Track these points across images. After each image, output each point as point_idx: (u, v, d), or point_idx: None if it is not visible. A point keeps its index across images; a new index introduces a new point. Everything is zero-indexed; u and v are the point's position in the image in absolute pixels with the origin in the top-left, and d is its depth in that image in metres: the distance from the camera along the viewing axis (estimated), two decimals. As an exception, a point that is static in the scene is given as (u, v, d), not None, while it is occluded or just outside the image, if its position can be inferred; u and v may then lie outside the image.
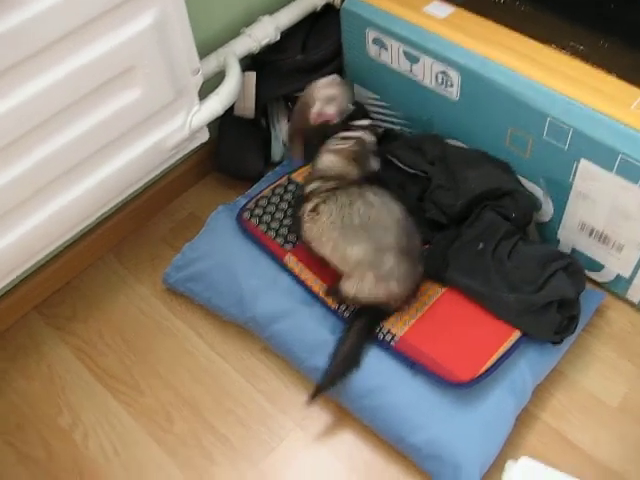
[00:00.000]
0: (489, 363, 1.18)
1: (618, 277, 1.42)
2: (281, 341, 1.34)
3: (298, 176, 1.50)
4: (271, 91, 1.59)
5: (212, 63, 1.47)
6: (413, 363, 1.20)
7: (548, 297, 1.25)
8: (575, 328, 1.29)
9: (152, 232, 1.66)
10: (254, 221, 1.42)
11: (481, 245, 1.32)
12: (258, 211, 1.43)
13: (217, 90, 1.42)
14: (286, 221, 1.42)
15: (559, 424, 1.30)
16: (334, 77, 1.47)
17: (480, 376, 1.16)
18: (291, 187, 1.48)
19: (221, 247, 1.44)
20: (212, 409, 1.36)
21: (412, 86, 1.47)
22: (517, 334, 1.23)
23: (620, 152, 1.21)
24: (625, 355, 1.40)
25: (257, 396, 1.38)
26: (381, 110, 1.60)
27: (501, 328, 1.23)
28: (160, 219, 1.68)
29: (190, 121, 1.37)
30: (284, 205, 1.45)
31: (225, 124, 1.63)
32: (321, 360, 1.27)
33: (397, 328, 1.23)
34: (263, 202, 1.45)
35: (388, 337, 1.23)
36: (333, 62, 1.60)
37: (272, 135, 1.66)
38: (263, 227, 1.41)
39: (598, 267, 1.44)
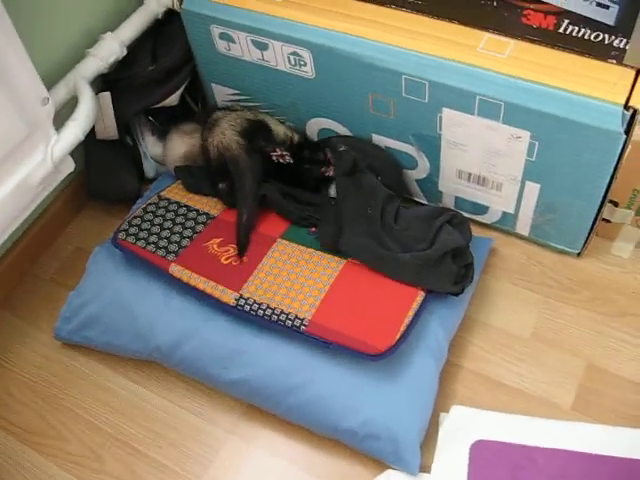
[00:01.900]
0: (402, 328, 1.17)
1: (504, 215, 1.46)
2: (191, 364, 1.29)
3: (168, 193, 1.47)
4: (129, 107, 1.54)
5: (62, 90, 1.41)
6: (328, 344, 1.18)
7: (441, 249, 1.27)
8: (472, 275, 1.31)
9: (40, 275, 1.59)
10: (131, 239, 1.36)
11: (369, 210, 1.32)
12: (133, 230, 1.38)
13: (73, 116, 1.36)
14: (164, 233, 1.37)
15: (481, 367, 1.33)
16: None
17: (396, 343, 1.16)
18: (163, 203, 1.44)
19: (106, 285, 1.38)
20: (141, 438, 1.32)
21: (268, 73, 1.45)
22: (422, 294, 1.24)
23: (477, 94, 1.23)
24: (526, 286, 1.44)
25: (183, 414, 1.34)
26: (244, 105, 1.58)
27: (405, 291, 1.23)
28: (45, 260, 1.61)
29: (51, 153, 1.30)
30: (159, 220, 1.40)
31: (91, 150, 1.57)
32: (237, 372, 1.24)
33: (304, 312, 1.21)
34: (137, 221, 1.40)
35: (297, 323, 1.20)
36: (186, 66, 1.56)
37: (141, 151, 1.61)
38: (141, 243, 1.35)
39: (484, 210, 1.47)
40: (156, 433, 1.32)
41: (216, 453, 1.28)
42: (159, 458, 1.29)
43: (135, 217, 1.41)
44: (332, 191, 1.43)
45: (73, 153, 1.36)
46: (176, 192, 1.48)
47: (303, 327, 1.19)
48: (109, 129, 1.54)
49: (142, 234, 1.36)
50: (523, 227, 1.47)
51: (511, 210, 1.43)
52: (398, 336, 1.16)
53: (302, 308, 1.21)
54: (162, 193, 1.47)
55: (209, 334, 1.27)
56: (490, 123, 1.26)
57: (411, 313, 1.20)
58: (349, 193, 1.34)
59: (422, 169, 1.45)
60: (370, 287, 1.25)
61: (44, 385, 1.41)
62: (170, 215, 1.41)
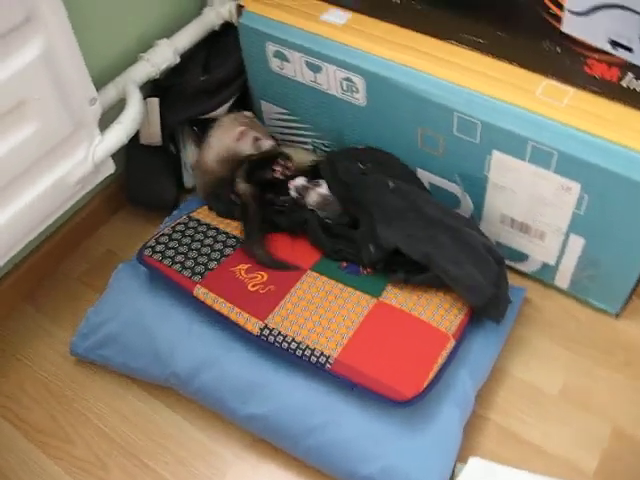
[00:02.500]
0: (431, 375, 1.12)
1: (544, 265, 1.41)
2: (209, 394, 1.24)
3: (198, 214, 1.43)
4: (176, 115, 1.52)
5: (111, 92, 1.40)
6: (352, 385, 1.13)
7: (480, 237, 1.25)
8: (507, 287, 1.28)
9: (68, 273, 1.57)
10: (157, 257, 1.32)
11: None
12: (160, 247, 1.34)
13: (119, 119, 1.35)
14: (191, 254, 1.33)
15: (505, 420, 1.28)
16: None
17: (424, 391, 1.11)
18: (192, 224, 1.40)
19: (128, 305, 1.33)
20: (149, 451, 1.28)
21: (318, 96, 1.43)
22: (452, 341, 1.19)
23: (530, 139, 1.19)
24: (559, 341, 1.38)
25: (194, 432, 1.30)
26: (291, 125, 1.56)
27: (436, 336, 1.18)
28: (75, 259, 1.59)
29: (93, 153, 1.29)
30: (187, 240, 1.36)
31: (132, 153, 1.56)
32: (256, 407, 1.20)
33: (330, 349, 1.16)
34: (164, 239, 1.36)
35: (322, 360, 1.15)
36: (237, 80, 1.54)
37: (182, 161, 1.60)
38: (167, 262, 1.30)
39: (523, 257, 1.42)
40: (165, 448, 1.29)
41: (223, 476, 1.24)
42: (165, 474, 1.25)
43: (163, 235, 1.37)
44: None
45: (115, 155, 1.35)
46: (206, 214, 1.43)
47: (328, 365, 1.14)
48: (153, 135, 1.52)
49: (169, 252, 1.33)
50: (562, 280, 1.41)
51: (552, 261, 1.38)
52: (426, 383, 1.11)
53: (328, 345, 1.16)
54: (192, 214, 1.43)
55: (230, 364, 1.22)
56: (540, 171, 1.22)
57: (440, 360, 1.15)
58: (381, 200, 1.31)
59: (465, 209, 1.41)
60: (400, 329, 1.20)
61: (59, 385, 1.39)
62: (199, 236, 1.36)
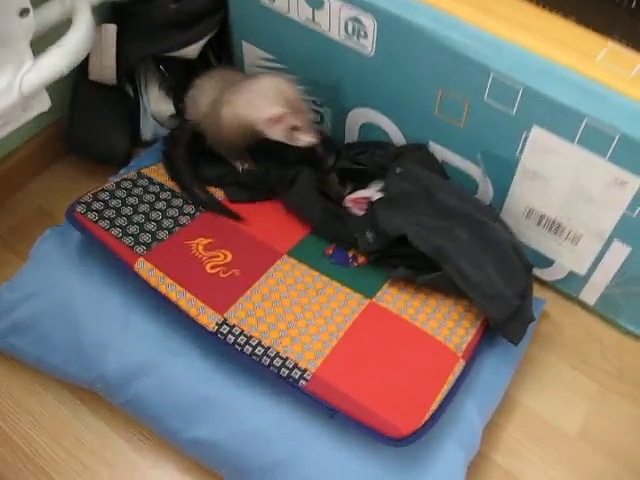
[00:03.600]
0: (433, 406, 0.85)
1: (571, 275, 1.14)
2: (143, 408, 0.95)
3: (152, 172, 1.14)
4: (138, 50, 1.22)
5: (55, 8, 1.09)
6: (332, 411, 0.85)
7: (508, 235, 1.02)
8: (532, 301, 1.03)
9: (-13, 234, 1.27)
10: (91, 216, 1.02)
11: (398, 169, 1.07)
12: (97, 205, 1.04)
13: (59, 42, 1.04)
14: (137, 218, 1.03)
15: (513, 464, 1.03)
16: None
17: (425, 425, 0.84)
18: (142, 182, 1.11)
19: (53, 283, 1.04)
20: (62, 467, 1.00)
21: (315, 40, 1.13)
22: (462, 362, 0.92)
23: (586, 115, 0.92)
24: (581, 367, 1.14)
25: (121, 446, 1.02)
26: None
27: (443, 355, 0.92)
28: (-3, 216, 1.29)
29: (20, 81, 0.99)
30: (133, 200, 1.06)
31: (78, 92, 1.26)
32: (203, 429, 0.91)
33: (306, 361, 0.88)
34: (104, 196, 1.06)
35: (295, 374, 0.87)
36: (215, 14, 1.24)
37: (140, 106, 1.30)
38: (104, 224, 1.01)
39: (547, 263, 1.16)
40: (82, 464, 1.00)
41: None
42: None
43: (103, 190, 1.07)
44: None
45: (55, 92, 1.08)
46: (162, 172, 1.14)
47: (303, 381, 0.86)
48: (107, 71, 1.23)
49: (108, 213, 1.03)
50: (590, 294, 1.15)
51: (581, 271, 1.12)
52: (428, 416, 0.84)
53: (305, 355, 0.88)
54: (143, 170, 1.13)
55: (174, 371, 0.94)
56: (591, 157, 0.95)
57: (446, 386, 0.88)
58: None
59: (482, 196, 1.13)
60: (397, 341, 0.93)
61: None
62: (149, 197, 1.08)
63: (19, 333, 1.02)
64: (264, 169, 1.12)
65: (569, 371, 1.13)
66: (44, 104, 1.07)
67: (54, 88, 1.05)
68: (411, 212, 1.00)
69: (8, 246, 1.24)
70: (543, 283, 1.20)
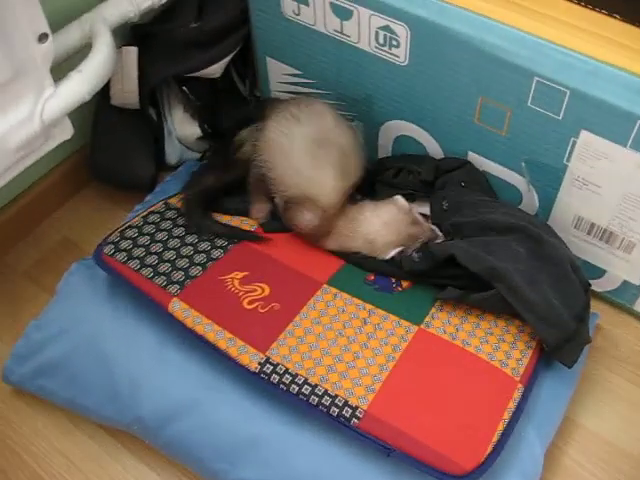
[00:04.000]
0: (495, 437, 0.79)
1: (625, 285, 1.08)
2: (184, 450, 0.90)
3: (179, 202, 1.08)
4: (159, 71, 1.18)
5: (74, 32, 1.06)
6: (388, 449, 0.79)
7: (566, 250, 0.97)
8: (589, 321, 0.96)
9: (13, 265, 1.22)
10: (120, 257, 0.97)
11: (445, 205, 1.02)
12: (125, 244, 0.99)
13: (79, 67, 1.00)
14: (167, 255, 0.98)
15: None
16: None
17: (487, 459, 0.78)
18: (170, 214, 1.05)
19: (81, 320, 0.98)
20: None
21: (344, 52, 1.08)
22: (520, 388, 0.85)
23: (639, 117, 0.85)
24: (640, 383, 1.06)
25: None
26: (304, 89, 1.20)
27: (501, 381, 0.85)
28: (22, 248, 1.24)
29: (42, 109, 0.95)
30: (163, 235, 1.01)
31: (101, 118, 1.22)
32: (250, 470, 0.86)
33: (357, 397, 0.82)
34: (131, 233, 1.01)
35: (347, 412, 0.81)
36: (238, 30, 1.19)
37: (165, 129, 1.25)
38: (134, 264, 0.96)
39: (598, 273, 1.09)
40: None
41: None
42: None
43: (130, 227, 1.02)
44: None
45: (77, 119, 1.04)
46: None
47: (354, 420, 0.80)
48: (129, 95, 1.18)
49: (137, 252, 0.98)
50: (646, 304, 1.09)
51: (636, 280, 1.05)
52: (490, 449, 0.78)
53: (354, 391, 0.82)
54: (171, 200, 1.08)
55: (215, 411, 0.88)
56: (647, 161, 0.89)
57: (507, 416, 0.82)
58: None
59: (527, 207, 1.07)
60: (451, 369, 0.86)
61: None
62: (178, 231, 1.02)
63: (49, 374, 0.97)
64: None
65: (628, 387, 1.06)
66: (67, 132, 1.03)
67: (76, 115, 1.02)
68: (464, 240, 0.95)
69: (34, 279, 1.20)
70: (594, 294, 1.13)
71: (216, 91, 1.26)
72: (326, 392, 0.82)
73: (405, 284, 0.98)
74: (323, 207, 0.99)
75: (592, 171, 0.96)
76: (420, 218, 1.01)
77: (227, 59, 1.20)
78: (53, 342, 0.97)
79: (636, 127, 0.87)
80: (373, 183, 1.12)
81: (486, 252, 0.90)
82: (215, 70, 1.20)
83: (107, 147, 1.23)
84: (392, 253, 0.98)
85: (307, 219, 0.99)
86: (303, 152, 0.99)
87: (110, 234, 1.01)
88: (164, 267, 0.96)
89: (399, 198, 1.02)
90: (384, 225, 1.00)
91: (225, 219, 1.06)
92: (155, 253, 0.98)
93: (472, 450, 0.78)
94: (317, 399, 0.82)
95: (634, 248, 1.01)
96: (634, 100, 0.86)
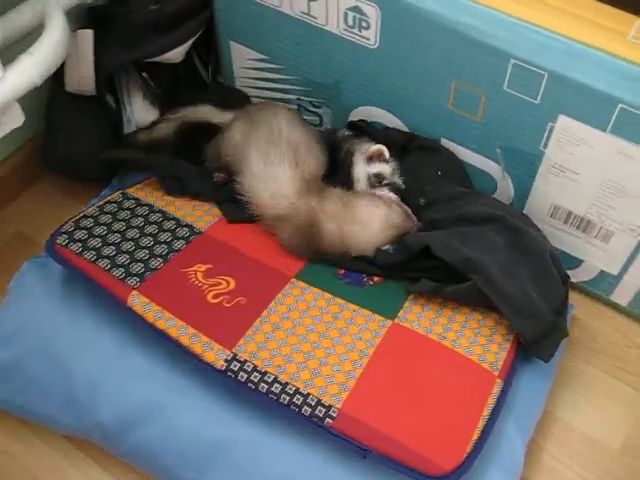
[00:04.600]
0: (475, 435, 0.75)
1: (601, 275, 1.05)
2: (148, 457, 0.84)
3: (139, 191, 1.02)
4: (117, 56, 1.11)
5: (25, 13, 1.00)
6: (364, 451, 0.74)
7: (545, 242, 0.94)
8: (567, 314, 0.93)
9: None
10: (75, 248, 0.91)
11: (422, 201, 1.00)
12: (80, 234, 0.93)
13: (30, 50, 0.93)
14: (126, 246, 0.92)
15: None
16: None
17: (468, 458, 0.74)
18: (128, 204, 0.99)
19: (35, 322, 0.92)
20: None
21: (311, 35, 1.03)
22: (499, 382, 0.82)
23: (619, 101, 0.83)
24: (619, 375, 1.05)
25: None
26: (269, 75, 1.15)
27: (479, 376, 0.82)
28: (-27, 245, 1.17)
29: (-11, 95, 0.88)
30: (120, 226, 0.95)
31: (55, 104, 1.15)
32: (219, 476, 0.81)
33: (330, 395, 0.77)
34: (87, 223, 0.95)
35: (320, 411, 0.76)
36: (199, 13, 1.13)
37: (123, 117, 1.18)
38: (90, 255, 0.90)
39: (574, 263, 1.06)
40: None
41: None
42: None
43: (85, 217, 0.96)
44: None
45: (29, 107, 0.97)
46: (149, 191, 1.03)
47: (328, 420, 0.75)
48: (84, 81, 1.11)
49: (93, 242, 0.92)
50: (622, 295, 1.06)
51: (613, 270, 1.02)
52: (470, 447, 0.74)
53: (327, 389, 0.78)
54: (129, 190, 1.02)
55: (179, 414, 0.83)
56: (627, 147, 0.86)
57: (486, 412, 0.78)
58: None
59: (502, 196, 1.03)
60: (427, 365, 0.82)
61: None
62: (137, 221, 0.96)
63: (2, 380, 0.91)
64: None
65: (607, 380, 1.04)
66: (17, 119, 0.96)
67: (29, 101, 0.95)
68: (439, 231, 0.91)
69: (-14, 276, 1.13)
70: (570, 285, 1.10)
71: (177, 77, 1.21)
72: (297, 390, 0.78)
73: (377, 278, 0.94)
74: (288, 197, 0.95)
75: (570, 157, 0.92)
76: (409, 211, 0.97)
77: (188, 43, 1.14)
78: (5, 346, 0.91)
79: (616, 111, 0.84)
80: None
81: (462, 242, 0.86)
82: (176, 55, 1.14)
83: (61, 136, 1.15)
84: (387, 246, 0.94)
85: (285, 238, 0.96)
86: (257, 153, 0.98)
87: (64, 224, 0.95)
88: (122, 259, 0.90)
89: (387, 191, 0.99)
90: (385, 217, 0.95)
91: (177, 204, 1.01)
92: (112, 244, 0.92)
93: (452, 449, 0.74)
94: (288, 398, 0.77)
95: (612, 237, 0.98)
96: (614, 83, 0.83)
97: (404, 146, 1.05)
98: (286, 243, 0.96)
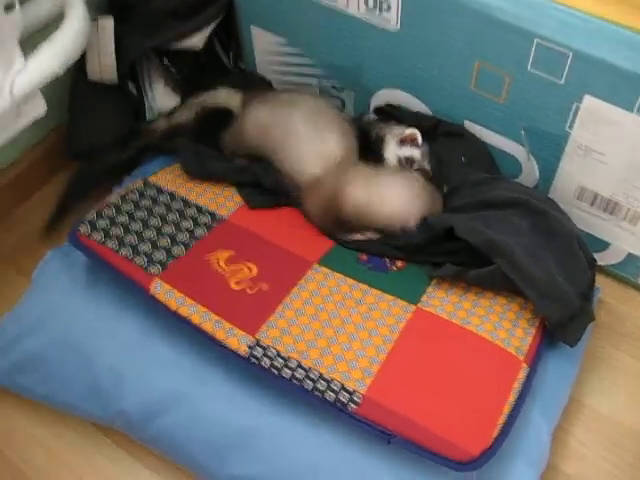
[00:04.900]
0: (501, 420, 0.74)
1: (629, 258, 1.03)
2: (172, 445, 0.84)
3: (159, 179, 1.01)
4: (138, 43, 1.11)
5: (45, 3, 0.99)
6: (388, 436, 0.73)
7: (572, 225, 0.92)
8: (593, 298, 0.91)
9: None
10: (97, 237, 0.91)
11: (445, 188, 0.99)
12: (102, 224, 0.93)
13: (51, 39, 0.93)
14: (148, 234, 0.92)
15: (583, 473, 0.91)
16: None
17: (494, 444, 0.73)
18: (150, 192, 0.99)
19: (57, 312, 0.92)
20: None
21: (332, 18, 1.02)
22: (525, 367, 0.80)
23: (647, 80, 0.80)
24: (648, 360, 1.01)
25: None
26: (291, 60, 1.14)
27: (505, 361, 0.80)
28: (0, 234, 1.18)
29: (11, 83, 0.89)
30: (142, 214, 0.95)
31: (77, 93, 1.14)
32: (241, 466, 0.80)
33: (354, 381, 0.76)
34: (109, 212, 0.95)
35: (343, 397, 0.75)
36: (218, 0, 1.13)
37: (146, 105, 1.18)
38: (112, 244, 0.90)
39: (602, 246, 1.04)
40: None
41: None
42: None
43: (107, 206, 0.96)
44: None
45: (52, 96, 0.98)
46: (171, 179, 1.02)
47: (352, 405, 0.75)
48: (106, 69, 1.11)
49: (115, 231, 0.92)
50: (651, 278, 1.04)
51: (642, 253, 1.01)
52: (496, 433, 0.73)
53: (351, 374, 0.77)
54: (151, 178, 1.01)
55: (203, 402, 0.82)
56: (655, 127, 0.84)
57: (512, 397, 0.76)
58: None
59: (527, 178, 1.02)
60: (452, 350, 0.81)
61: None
62: (159, 209, 0.96)
63: (26, 370, 0.91)
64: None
65: (633, 363, 1.01)
66: (39, 109, 0.97)
67: (51, 91, 0.95)
68: (458, 201, 0.89)
69: (13, 264, 1.13)
70: (597, 268, 1.08)
71: (198, 64, 1.20)
72: (321, 376, 0.77)
73: (400, 263, 0.92)
74: (331, 159, 0.97)
75: (596, 138, 0.90)
76: (437, 192, 0.97)
77: (209, 29, 1.13)
78: (29, 336, 0.91)
79: (644, 90, 0.81)
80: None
81: (486, 226, 0.85)
82: (197, 42, 1.13)
83: (84, 125, 1.15)
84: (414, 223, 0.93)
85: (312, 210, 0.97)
86: (303, 120, 1.00)
87: (86, 214, 0.95)
88: (144, 247, 0.89)
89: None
90: (411, 191, 0.95)
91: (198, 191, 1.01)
92: (135, 232, 0.91)
93: (478, 434, 0.73)
94: (312, 384, 0.76)
95: (640, 219, 0.96)
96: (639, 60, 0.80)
97: (429, 132, 1.03)
98: (313, 214, 0.96)
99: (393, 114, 1.06)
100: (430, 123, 1.03)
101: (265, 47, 1.16)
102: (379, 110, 1.09)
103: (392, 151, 1.01)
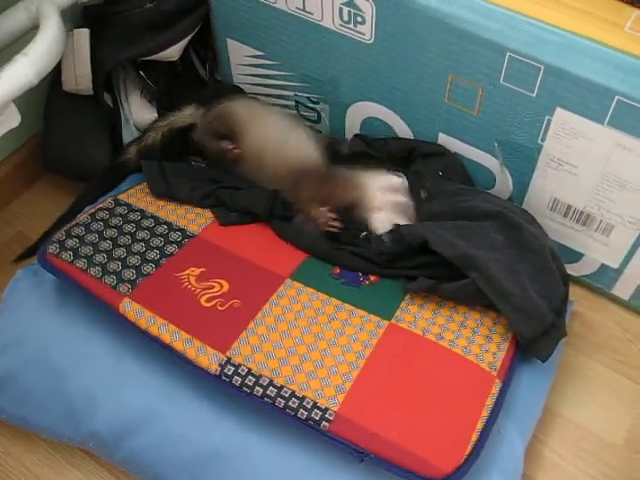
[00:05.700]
0: (474, 436, 0.73)
1: (602, 268, 1.02)
2: (143, 466, 0.82)
3: (130, 197, 0.99)
4: (113, 54, 1.09)
5: (20, 14, 0.98)
6: (361, 453, 0.72)
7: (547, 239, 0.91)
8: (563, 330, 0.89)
9: (-36, 263, 1.13)
10: (66, 257, 0.88)
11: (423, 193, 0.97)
12: (72, 243, 0.90)
13: (25, 50, 0.91)
14: (117, 252, 0.89)
15: None
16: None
17: (468, 459, 0.71)
18: (120, 210, 0.96)
19: (29, 331, 0.89)
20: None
21: (307, 31, 1.01)
22: (498, 383, 0.79)
23: (617, 93, 0.80)
24: (622, 370, 1.02)
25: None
26: (267, 72, 1.13)
27: (478, 376, 0.79)
28: (-26, 245, 1.16)
29: (-17, 95, 0.87)
30: (112, 233, 0.92)
31: (52, 104, 1.13)
32: None
33: (326, 398, 0.75)
34: (78, 231, 0.92)
35: (316, 414, 0.74)
36: (196, 10, 1.11)
37: (121, 116, 1.16)
38: (81, 264, 0.87)
39: (575, 257, 1.03)
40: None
41: None
42: None
43: (76, 225, 0.93)
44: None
45: (27, 107, 0.96)
46: (141, 196, 0.99)
47: (324, 423, 0.73)
48: (82, 80, 1.09)
49: (85, 250, 0.89)
50: (624, 289, 1.03)
51: (614, 264, 1.00)
52: (469, 449, 0.72)
53: (324, 391, 0.75)
54: (121, 196, 0.99)
55: (175, 422, 0.80)
56: (625, 139, 0.83)
57: (485, 413, 0.75)
58: None
59: (501, 190, 1.01)
60: (425, 366, 0.80)
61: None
62: (129, 227, 0.93)
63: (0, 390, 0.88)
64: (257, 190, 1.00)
65: (610, 375, 1.01)
66: (13, 120, 0.94)
67: (26, 102, 0.93)
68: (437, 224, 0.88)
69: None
70: (571, 279, 1.07)
71: (175, 75, 1.18)
72: (293, 394, 0.75)
73: (373, 278, 0.91)
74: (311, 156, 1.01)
75: (568, 151, 0.89)
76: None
77: (185, 41, 1.11)
78: (1, 354, 0.89)
79: (613, 103, 0.81)
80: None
81: (460, 238, 0.84)
82: (173, 53, 1.11)
83: (59, 136, 1.13)
84: (388, 227, 0.92)
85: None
86: (280, 120, 1.06)
87: (55, 233, 0.93)
88: (114, 265, 0.87)
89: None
90: (388, 184, 0.97)
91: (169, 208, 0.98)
92: (104, 251, 0.89)
93: (451, 451, 0.71)
94: (284, 402, 0.75)
95: (612, 230, 0.95)
96: (611, 74, 0.80)
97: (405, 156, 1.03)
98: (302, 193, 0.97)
99: (366, 146, 1.04)
100: (405, 148, 1.02)
101: (241, 59, 1.15)
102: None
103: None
